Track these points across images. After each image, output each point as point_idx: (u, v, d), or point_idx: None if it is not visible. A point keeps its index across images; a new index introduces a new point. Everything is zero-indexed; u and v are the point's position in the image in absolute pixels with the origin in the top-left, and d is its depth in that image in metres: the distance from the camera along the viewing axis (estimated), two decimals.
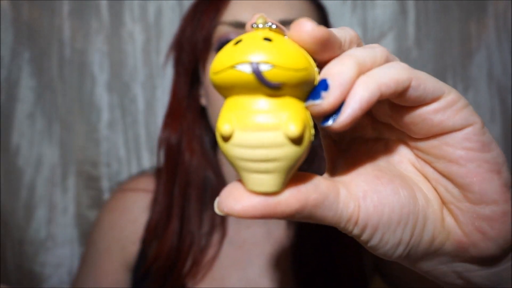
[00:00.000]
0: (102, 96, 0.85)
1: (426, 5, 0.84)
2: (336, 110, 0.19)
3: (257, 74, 0.17)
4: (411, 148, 0.24)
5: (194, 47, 0.56)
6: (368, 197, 0.21)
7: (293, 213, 0.20)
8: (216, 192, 0.58)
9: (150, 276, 0.56)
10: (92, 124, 0.85)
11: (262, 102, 0.18)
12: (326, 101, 0.18)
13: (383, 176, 0.22)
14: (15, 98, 0.84)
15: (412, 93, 0.20)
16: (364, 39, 0.85)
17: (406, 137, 0.23)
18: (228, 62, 0.18)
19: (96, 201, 0.86)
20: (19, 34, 0.84)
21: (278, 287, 0.57)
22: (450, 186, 0.22)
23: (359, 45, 0.22)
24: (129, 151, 0.86)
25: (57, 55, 0.85)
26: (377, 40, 0.85)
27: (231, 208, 0.19)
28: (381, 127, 0.24)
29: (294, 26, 0.19)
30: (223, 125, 0.19)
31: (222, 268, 0.57)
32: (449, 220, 0.23)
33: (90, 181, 0.86)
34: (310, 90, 0.19)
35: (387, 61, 0.21)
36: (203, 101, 0.60)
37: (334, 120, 0.19)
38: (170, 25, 0.85)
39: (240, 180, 0.20)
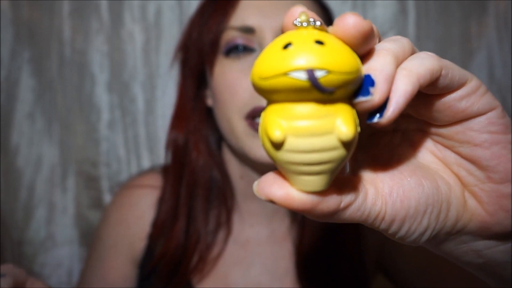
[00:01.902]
0: (102, 96, 0.85)
1: (426, 4, 0.84)
2: (382, 106, 0.19)
3: (313, 81, 0.17)
4: (432, 135, 0.24)
5: (201, 50, 0.57)
6: (394, 192, 0.22)
7: (329, 214, 0.20)
8: (222, 191, 0.59)
9: (157, 272, 0.57)
10: (92, 124, 0.85)
11: (313, 107, 0.18)
12: (376, 96, 0.19)
13: (405, 169, 0.23)
14: (15, 98, 0.84)
15: (442, 81, 0.20)
16: None
17: (426, 126, 0.24)
18: (280, 69, 0.17)
19: (96, 201, 0.86)
20: (19, 34, 0.84)
21: (280, 286, 0.58)
22: (473, 169, 0.23)
23: (380, 38, 0.22)
24: (128, 151, 0.86)
25: (57, 55, 0.84)
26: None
27: (273, 195, 0.20)
28: (399, 118, 0.25)
29: (338, 21, 0.19)
30: (274, 132, 0.18)
31: (225, 266, 0.58)
32: (471, 202, 0.23)
33: (90, 181, 0.86)
34: (356, 88, 0.19)
35: (413, 51, 0.22)
36: (209, 101, 0.61)
37: (381, 116, 0.19)
38: (170, 25, 0.85)
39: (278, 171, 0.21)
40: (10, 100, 0.84)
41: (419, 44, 0.84)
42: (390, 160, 0.24)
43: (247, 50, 0.54)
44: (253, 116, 0.53)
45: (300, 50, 0.17)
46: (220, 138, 0.62)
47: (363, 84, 0.19)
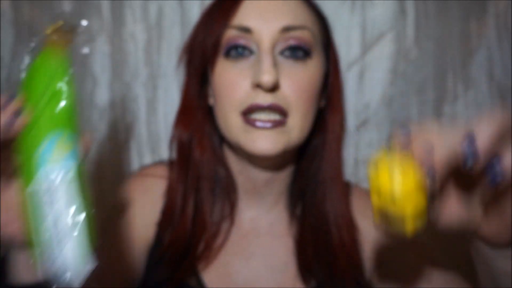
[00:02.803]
0: (104, 96, 0.85)
1: (425, 5, 0.85)
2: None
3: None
4: None
5: (204, 51, 0.59)
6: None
7: None
8: (225, 185, 0.62)
9: (165, 259, 0.59)
10: (93, 124, 0.85)
11: None
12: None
13: None
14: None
15: None
16: (363, 40, 0.85)
17: None
18: None
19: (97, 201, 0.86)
20: (19, 34, 0.84)
21: (279, 278, 0.60)
22: None
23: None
24: (130, 151, 0.86)
25: None
26: (376, 40, 0.85)
27: None
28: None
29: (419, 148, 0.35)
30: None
31: (228, 255, 0.61)
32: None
33: (91, 181, 0.85)
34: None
35: None
36: (211, 100, 0.63)
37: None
38: (171, 25, 0.85)
39: None
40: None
41: (419, 44, 0.85)
42: None
43: (245, 52, 0.56)
44: (248, 113, 0.55)
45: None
46: (222, 136, 0.64)
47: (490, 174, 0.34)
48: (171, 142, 0.64)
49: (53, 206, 0.36)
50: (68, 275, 0.35)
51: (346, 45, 0.85)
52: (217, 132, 0.63)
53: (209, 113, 0.63)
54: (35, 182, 0.36)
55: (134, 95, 0.86)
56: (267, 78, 0.53)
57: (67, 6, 0.84)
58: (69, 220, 0.35)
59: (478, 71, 0.85)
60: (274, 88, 0.54)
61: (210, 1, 0.63)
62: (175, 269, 0.58)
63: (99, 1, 0.84)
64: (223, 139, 0.64)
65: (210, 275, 0.59)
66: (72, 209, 0.36)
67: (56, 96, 0.38)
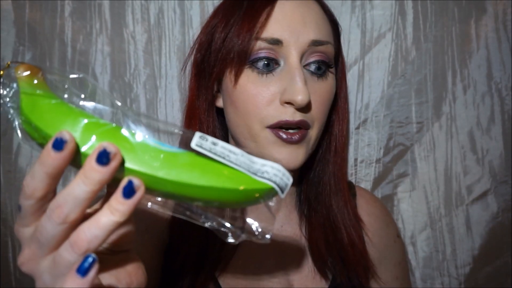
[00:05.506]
0: None
1: (425, 5, 0.85)
2: None
3: None
4: None
5: (225, 58, 0.58)
6: None
7: None
8: None
9: (184, 268, 0.59)
10: None
11: None
12: None
13: None
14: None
15: None
16: (363, 40, 0.86)
17: None
18: None
19: (97, 201, 0.86)
20: (20, 34, 0.85)
21: (294, 276, 0.62)
22: None
23: None
24: None
25: (59, 56, 0.85)
26: (376, 40, 0.85)
27: None
28: None
29: None
30: None
31: (242, 259, 0.62)
32: None
33: None
34: None
35: None
36: (218, 102, 0.63)
37: None
38: (171, 26, 0.85)
39: None
40: None
41: (418, 45, 0.85)
42: None
43: (272, 65, 0.56)
44: (276, 127, 0.56)
45: None
46: (226, 138, 0.65)
47: None
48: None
49: None
50: None
51: (346, 45, 0.85)
52: (225, 135, 0.64)
53: (217, 116, 0.64)
54: None
55: (134, 95, 0.86)
56: (301, 98, 0.53)
57: (68, 7, 0.84)
58: None
59: (477, 72, 0.85)
60: (306, 107, 0.55)
61: (217, 1, 0.62)
62: (195, 277, 0.59)
63: (100, 1, 0.84)
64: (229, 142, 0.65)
65: (227, 279, 0.60)
66: None
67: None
